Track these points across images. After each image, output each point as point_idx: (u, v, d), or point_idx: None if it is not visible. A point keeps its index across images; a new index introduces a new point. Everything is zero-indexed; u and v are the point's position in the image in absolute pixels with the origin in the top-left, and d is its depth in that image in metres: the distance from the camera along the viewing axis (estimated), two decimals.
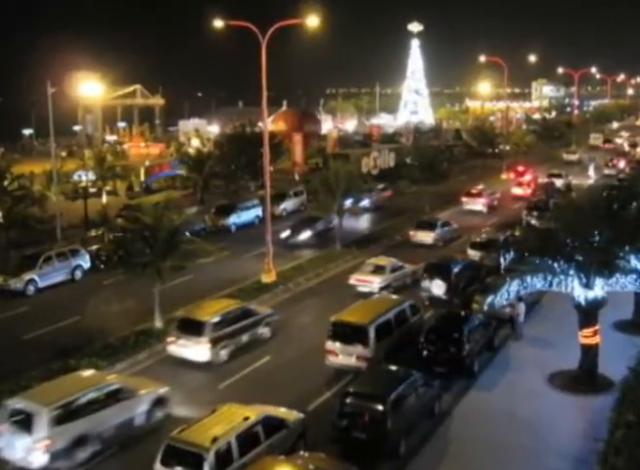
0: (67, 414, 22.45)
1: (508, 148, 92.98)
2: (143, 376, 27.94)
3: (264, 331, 32.86)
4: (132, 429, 24.11)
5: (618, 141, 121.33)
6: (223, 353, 30.49)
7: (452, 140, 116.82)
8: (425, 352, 29.26)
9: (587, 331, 28.01)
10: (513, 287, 28.04)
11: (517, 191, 72.93)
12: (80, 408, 22.94)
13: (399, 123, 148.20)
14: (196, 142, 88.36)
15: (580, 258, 27.67)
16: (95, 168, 61.99)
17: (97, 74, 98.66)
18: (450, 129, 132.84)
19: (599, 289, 27.65)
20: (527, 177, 76.68)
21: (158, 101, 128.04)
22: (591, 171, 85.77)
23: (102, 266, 42.33)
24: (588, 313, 27.87)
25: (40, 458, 21.66)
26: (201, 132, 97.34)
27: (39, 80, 54.18)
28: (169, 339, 30.66)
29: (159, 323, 32.88)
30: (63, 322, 34.60)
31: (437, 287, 38.00)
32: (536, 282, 28.11)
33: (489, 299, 27.82)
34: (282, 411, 23.50)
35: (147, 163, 79.93)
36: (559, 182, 74.69)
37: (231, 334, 30.91)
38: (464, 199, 65.93)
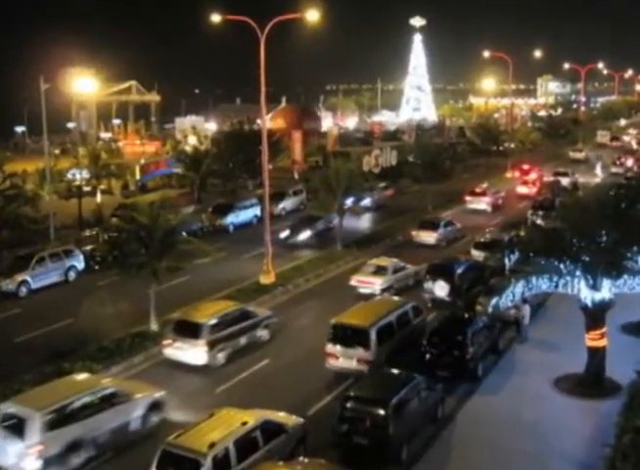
0: (60, 419, 22.32)
1: (513, 146, 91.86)
2: (138, 380, 27.64)
3: (263, 333, 32.64)
4: (127, 434, 24.00)
5: (626, 139, 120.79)
6: (220, 357, 30.24)
7: (455, 138, 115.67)
8: (427, 356, 29.01)
9: (594, 333, 27.67)
10: (518, 288, 27.72)
11: (522, 190, 72.13)
12: (74, 413, 22.82)
13: (401, 120, 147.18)
14: (193, 140, 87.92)
15: (587, 259, 27.27)
16: (89, 167, 61.69)
17: (91, 70, 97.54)
18: (454, 127, 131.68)
19: (606, 290, 27.33)
20: (533, 176, 75.85)
21: (153, 97, 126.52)
22: (598, 170, 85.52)
23: (96, 267, 42.08)
24: (595, 315, 27.53)
25: (33, 464, 21.54)
26: (198, 130, 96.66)
27: (32, 76, 53.85)
28: (165, 341, 30.43)
29: (154, 325, 32.67)
30: (56, 324, 34.43)
31: (440, 288, 37.71)
32: (542, 283, 27.81)
33: (494, 300, 27.40)
34: (281, 416, 23.33)
35: (142, 161, 79.30)
36: (565, 181, 73.88)
37: (229, 336, 30.65)
38: (468, 198, 65.27)
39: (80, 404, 23.09)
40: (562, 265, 27.54)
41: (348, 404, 23.64)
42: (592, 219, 27.98)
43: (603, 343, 27.91)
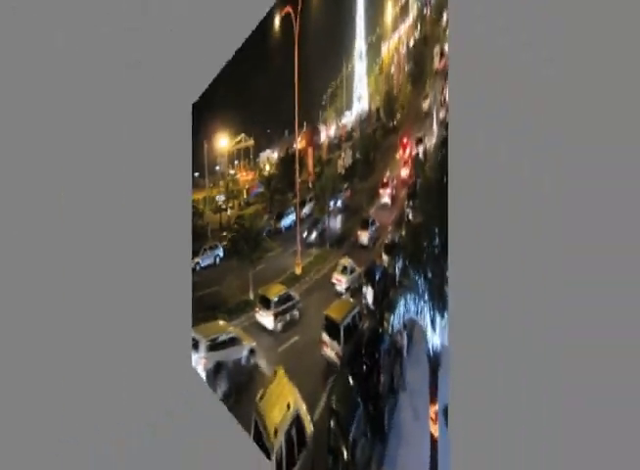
0: (213, 345, 19.74)
1: (399, 115, 35.94)
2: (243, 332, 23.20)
3: (295, 314, 26.00)
4: (240, 366, 20.89)
5: None
6: (279, 326, 24.90)
7: (374, 121, 49.73)
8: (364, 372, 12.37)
9: (433, 410, 9.47)
10: (401, 308, 11.43)
11: (403, 172, 29.91)
12: (218, 344, 20.10)
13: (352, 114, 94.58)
14: (267, 167, 71.07)
15: (430, 274, 9.80)
16: (225, 193, 57.46)
17: (227, 132, 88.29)
18: (373, 107, 40.91)
19: (438, 330, 9.56)
20: (408, 151, 30.33)
21: (250, 143, 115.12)
22: (434, 125, 28.86)
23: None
24: (434, 373, 9.69)
25: (201, 370, 19.04)
26: (269, 159, 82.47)
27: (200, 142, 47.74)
28: (256, 309, 25.74)
29: (251, 296, 28.29)
30: (210, 289, 29.63)
31: (370, 294, 18.80)
32: (411, 305, 10.46)
33: (392, 318, 12.05)
34: (303, 413, 11.93)
35: (247, 186, 65.24)
36: (420, 150, 28.66)
37: (283, 311, 25.16)
38: (380, 190, 31.11)
39: (221, 340, 20.31)
40: (419, 281, 10.13)
41: (332, 421, 10.50)
42: (432, 207, 9.93)
43: (435, 429, 9.59)
